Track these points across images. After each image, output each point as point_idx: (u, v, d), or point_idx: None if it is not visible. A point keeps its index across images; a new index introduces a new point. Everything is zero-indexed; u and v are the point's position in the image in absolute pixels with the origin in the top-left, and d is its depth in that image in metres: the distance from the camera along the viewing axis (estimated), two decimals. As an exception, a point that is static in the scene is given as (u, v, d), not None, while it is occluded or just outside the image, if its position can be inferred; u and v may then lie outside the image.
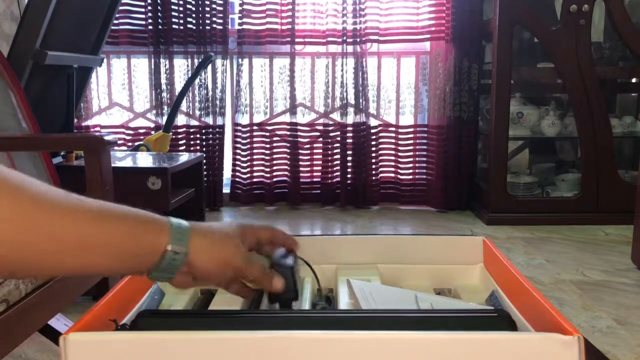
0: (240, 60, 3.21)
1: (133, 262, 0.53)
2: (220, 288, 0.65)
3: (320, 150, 3.31)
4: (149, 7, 3.13)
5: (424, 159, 3.34)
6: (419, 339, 0.46)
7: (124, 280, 0.63)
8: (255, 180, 3.34)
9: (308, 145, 3.30)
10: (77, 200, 0.50)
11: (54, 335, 1.41)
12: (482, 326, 0.52)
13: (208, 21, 3.13)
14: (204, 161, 2.97)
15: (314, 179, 3.34)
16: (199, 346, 0.48)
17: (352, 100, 3.22)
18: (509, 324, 0.53)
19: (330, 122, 3.28)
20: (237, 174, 3.32)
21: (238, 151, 3.30)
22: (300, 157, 3.28)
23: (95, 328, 0.52)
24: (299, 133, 3.26)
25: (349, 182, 3.28)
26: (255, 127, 3.30)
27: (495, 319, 0.53)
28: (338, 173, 3.29)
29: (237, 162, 3.31)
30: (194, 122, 3.26)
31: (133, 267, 0.54)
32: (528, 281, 0.59)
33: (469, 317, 0.54)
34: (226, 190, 3.35)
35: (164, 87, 3.20)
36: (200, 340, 0.48)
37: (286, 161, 3.30)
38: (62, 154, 2.38)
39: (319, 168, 3.32)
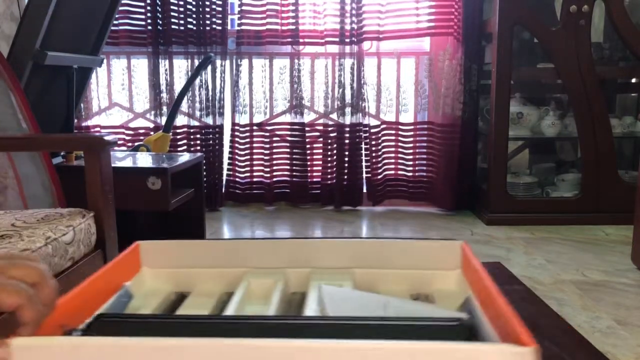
0: (239, 60, 3.21)
1: None
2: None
3: (321, 151, 3.30)
4: (149, 8, 3.13)
5: (424, 159, 3.34)
6: (367, 348, 0.44)
7: (86, 282, 0.60)
8: (255, 180, 3.34)
9: (308, 145, 3.29)
10: None
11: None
12: (440, 335, 0.49)
13: (208, 22, 3.13)
14: (204, 161, 2.97)
15: (314, 179, 3.34)
16: (153, 353, 0.44)
17: (351, 100, 3.22)
18: (469, 334, 0.50)
19: (331, 123, 3.28)
20: (237, 173, 3.32)
21: (237, 151, 3.30)
22: (300, 157, 3.28)
23: (46, 333, 0.48)
24: (298, 133, 3.26)
25: (349, 182, 3.28)
26: (255, 127, 3.30)
27: (456, 328, 0.51)
28: (338, 173, 3.29)
29: (237, 162, 3.31)
30: (194, 123, 3.26)
31: None
32: (497, 288, 0.56)
33: (428, 325, 0.52)
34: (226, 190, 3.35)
35: (163, 87, 3.20)
36: (154, 347, 0.44)
37: (286, 161, 3.30)
38: (62, 154, 2.38)
39: (319, 168, 3.32)
